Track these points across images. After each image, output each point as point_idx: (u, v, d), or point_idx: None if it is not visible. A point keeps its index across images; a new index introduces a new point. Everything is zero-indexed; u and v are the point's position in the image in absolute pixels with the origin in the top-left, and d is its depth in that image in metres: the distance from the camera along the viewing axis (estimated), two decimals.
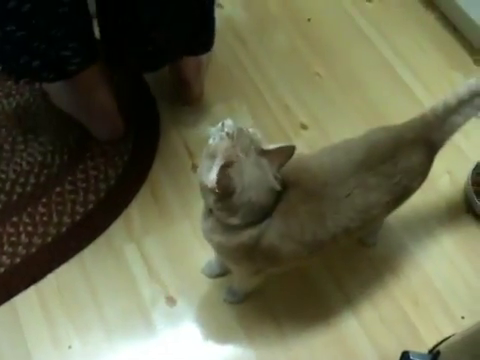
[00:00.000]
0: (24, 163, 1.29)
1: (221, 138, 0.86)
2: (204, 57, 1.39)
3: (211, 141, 0.87)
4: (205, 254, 1.20)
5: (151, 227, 1.23)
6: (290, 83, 1.49)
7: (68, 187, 1.26)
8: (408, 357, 1.06)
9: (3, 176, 1.27)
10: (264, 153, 0.88)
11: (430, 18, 1.63)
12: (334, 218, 0.94)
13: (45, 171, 1.28)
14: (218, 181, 0.82)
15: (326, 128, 1.41)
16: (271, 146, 0.89)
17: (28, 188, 1.25)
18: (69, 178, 1.27)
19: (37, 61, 1.10)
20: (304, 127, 1.42)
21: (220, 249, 0.98)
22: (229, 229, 0.91)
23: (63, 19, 1.07)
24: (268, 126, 1.41)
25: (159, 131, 1.38)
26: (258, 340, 1.12)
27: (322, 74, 1.52)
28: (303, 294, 1.18)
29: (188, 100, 1.42)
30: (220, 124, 0.88)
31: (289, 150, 0.90)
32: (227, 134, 0.86)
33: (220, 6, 1.58)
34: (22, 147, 1.31)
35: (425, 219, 1.29)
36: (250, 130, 0.89)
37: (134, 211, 1.25)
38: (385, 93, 1.49)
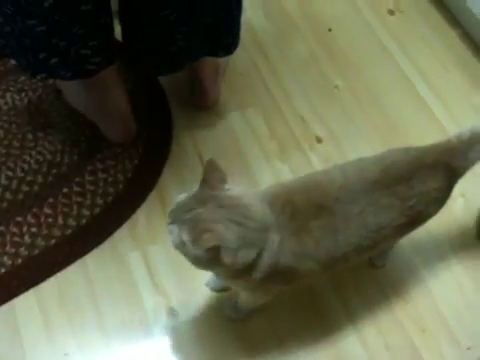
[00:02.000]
0: (32, 161, 1.27)
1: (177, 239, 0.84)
2: (222, 60, 1.36)
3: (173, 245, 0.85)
4: None
5: (157, 235, 1.21)
6: (308, 94, 1.47)
7: (76, 189, 1.24)
8: None
9: (10, 174, 1.25)
10: (205, 183, 0.86)
11: (453, 35, 1.60)
12: (346, 234, 0.92)
13: (54, 171, 1.26)
14: (231, 257, 0.82)
15: (341, 142, 1.39)
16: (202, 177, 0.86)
17: (35, 187, 1.23)
18: (77, 179, 1.25)
19: (55, 58, 1.08)
20: (319, 140, 1.39)
21: (237, 286, 0.98)
22: (240, 272, 0.88)
23: (85, 17, 1.05)
24: (283, 137, 1.39)
25: (171, 136, 1.36)
26: (259, 358, 1.10)
27: (341, 87, 1.49)
28: (307, 314, 1.15)
29: (203, 104, 1.39)
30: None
31: (211, 164, 0.87)
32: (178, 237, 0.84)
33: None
34: (32, 145, 1.29)
35: (437, 242, 1.25)
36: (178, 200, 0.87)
37: (141, 218, 1.23)
38: (404, 110, 1.46)
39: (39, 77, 1.15)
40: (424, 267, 1.23)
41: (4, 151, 1.28)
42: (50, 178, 1.25)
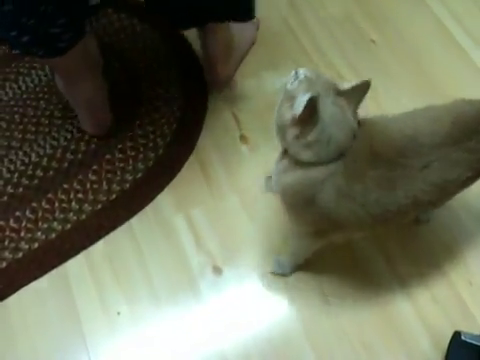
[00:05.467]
0: (75, 130, 1.29)
1: (300, 81, 0.88)
2: (240, 43, 1.33)
3: (289, 86, 0.89)
4: (252, 226, 1.19)
5: (198, 198, 1.23)
6: (343, 50, 1.44)
7: (118, 155, 1.26)
8: (460, 337, 1.03)
9: (54, 143, 1.28)
10: (342, 93, 0.88)
11: None
12: (405, 188, 0.89)
13: (94, 138, 1.28)
14: (304, 110, 0.83)
15: (380, 97, 1.36)
16: (346, 85, 0.89)
17: (79, 155, 1.26)
18: (119, 146, 1.28)
19: (26, 36, 1.04)
20: None
21: (285, 193, 0.96)
22: (300, 167, 0.90)
23: None
24: None
25: (207, 99, 1.36)
26: (305, 312, 1.11)
27: (377, 41, 1.46)
28: (352, 271, 1.15)
29: (214, 82, 1.36)
30: (293, 72, 0.90)
31: (364, 86, 0.88)
32: (305, 76, 0.88)
33: None
34: (72, 114, 1.31)
35: None
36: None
37: (182, 181, 1.25)
38: (443, 61, 1.42)
39: (15, 53, 1.13)
40: (471, 221, 1.21)
41: (47, 121, 1.31)
42: (92, 145, 1.28)
